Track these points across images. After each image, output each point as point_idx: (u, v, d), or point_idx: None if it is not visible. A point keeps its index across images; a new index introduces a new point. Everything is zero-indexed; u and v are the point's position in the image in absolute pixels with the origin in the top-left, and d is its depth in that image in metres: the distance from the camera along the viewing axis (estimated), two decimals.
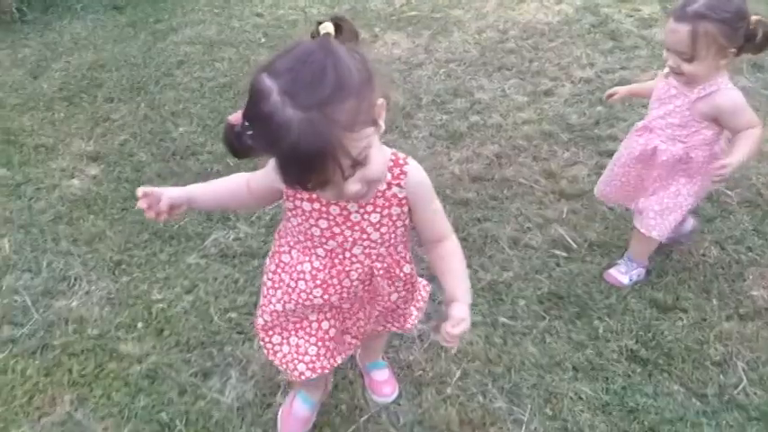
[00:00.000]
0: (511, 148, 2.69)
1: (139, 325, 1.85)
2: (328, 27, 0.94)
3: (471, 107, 2.99)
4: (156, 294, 1.96)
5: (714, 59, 1.62)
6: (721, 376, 1.68)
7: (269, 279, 1.28)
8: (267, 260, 1.30)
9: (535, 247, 2.17)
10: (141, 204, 1.15)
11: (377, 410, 1.61)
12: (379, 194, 1.11)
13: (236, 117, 0.94)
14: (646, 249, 1.97)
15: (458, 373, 1.71)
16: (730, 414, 1.59)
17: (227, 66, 3.30)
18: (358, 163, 0.92)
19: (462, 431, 1.56)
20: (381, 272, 1.22)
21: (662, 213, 1.83)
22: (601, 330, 1.82)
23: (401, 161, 1.12)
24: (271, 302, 1.28)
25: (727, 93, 1.67)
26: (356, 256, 1.18)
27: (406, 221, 1.17)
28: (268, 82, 0.88)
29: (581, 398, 1.63)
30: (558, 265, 2.08)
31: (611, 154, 2.61)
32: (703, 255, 2.08)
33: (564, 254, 2.13)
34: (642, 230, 1.88)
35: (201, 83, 3.15)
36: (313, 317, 1.28)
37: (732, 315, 1.86)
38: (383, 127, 0.97)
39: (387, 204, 1.12)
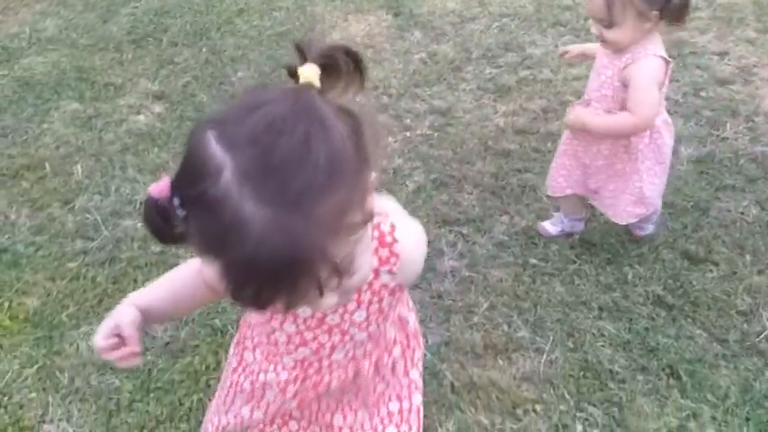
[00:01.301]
0: (558, 103, 2.71)
1: None
2: (311, 74, 0.65)
3: (522, 62, 3.00)
4: None
5: (635, 24, 1.51)
6: (745, 324, 1.72)
7: (229, 377, 1.03)
8: (231, 347, 1.05)
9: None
10: (111, 357, 0.84)
11: None
12: (365, 288, 0.83)
13: (159, 187, 0.63)
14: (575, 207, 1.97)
15: (485, 305, 1.81)
16: (749, 359, 1.64)
17: (284, 15, 3.41)
18: (341, 273, 0.62)
19: (486, 354, 1.66)
20: (371, 369, 0.95)
21: (633, 199, 1.77)
22: (630, 276, 1.88)
23: (388, 237, 0.82)
24: (234, 404, 1.02)
25: (650, 61, 1.56)
26: (337, 361, 0.91)
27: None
28: (218, 152, 0.58)
29: (603, 335, 1.71)
30: (594, 215, 2.13)
31: None
32: (742, 213, 2.08)
33: None
34: (617, 221, 1.87)
35: (260, 31, 3.27)
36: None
37: (764, 270, 1.88)
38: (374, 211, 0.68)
39: (375, 299, 0.85)
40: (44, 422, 1.48)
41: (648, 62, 1.57)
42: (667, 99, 2.65)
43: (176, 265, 1.92)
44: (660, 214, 1.98)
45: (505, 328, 1.74)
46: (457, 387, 1.59)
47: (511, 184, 2.29)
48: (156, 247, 2.01)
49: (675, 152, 2.35)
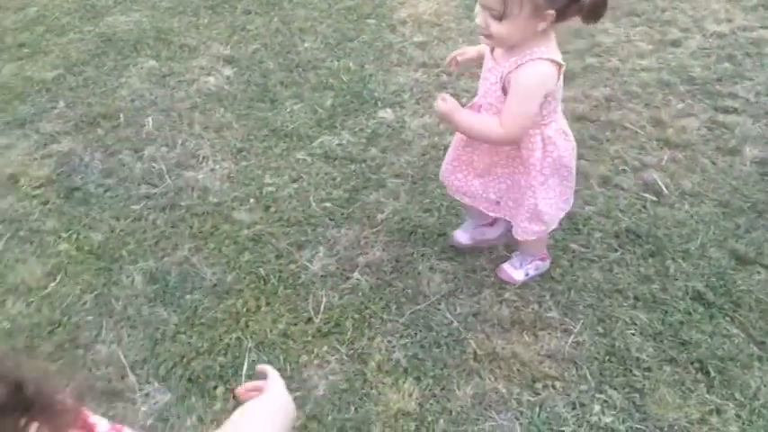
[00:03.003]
0: (623, 92, 2.65)
1: (251, 200, 2.14)
2: None
3: (590, 49, 2.94)
4: (267, 179, 2.23)
5: (529, 21, 1.31)
6: None
7: None
8: None
9: (625, 188, 2.19)
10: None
11: (437, 298, 1.78)
12: None
13: None
14: (532, 244, 1.75)
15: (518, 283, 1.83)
16: None
17: None
18: None
19: (512, 328, 1.69)
20: None
21: (530, 219, 1.62)
22: (671, 269, 1.85)
23: None
24: None
25: (537, 65, 1.36)
26: None
27: None
28: None
29: (635, 323, 1.70)
30: (644, 207, 2.09)
31: (727, 110, 2.53)
32: None
33: (653, 198, 2.13)
34: (518, 237, 1.68)
35: (330, 3, 3.35)
36: None
37: None
38: None
39: None
40: (97, 342, 1.63)
41: (535, 68, 1.37)
42: (734, 98, 2.56)
43: (229, 216, 2.05)
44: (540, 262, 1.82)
45: (536, 306, 1.76)
46: (479, 355, 1.63)
47: None
48: (213, 198, 2.14)
49: (740, 152, 2.28)
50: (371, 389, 1.56)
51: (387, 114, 2.55)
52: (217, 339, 1.65)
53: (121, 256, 1.89)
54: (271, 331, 1.68)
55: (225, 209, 2.10)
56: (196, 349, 1.62)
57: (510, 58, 1.39)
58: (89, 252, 1.90)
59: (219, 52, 2.99)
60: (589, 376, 1.58)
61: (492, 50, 1.48)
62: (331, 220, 2.05)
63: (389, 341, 1.67)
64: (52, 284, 1.79)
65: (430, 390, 1.56)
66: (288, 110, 2.57)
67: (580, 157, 2.33)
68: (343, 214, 2.06)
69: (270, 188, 2.19)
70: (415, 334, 1.69)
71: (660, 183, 2.18)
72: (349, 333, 1.69)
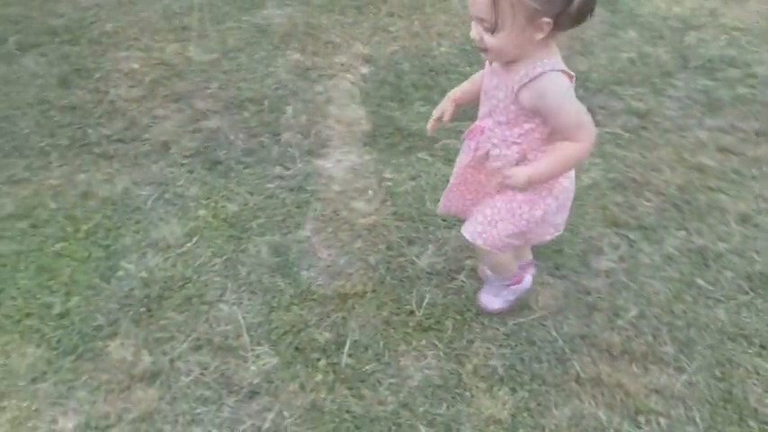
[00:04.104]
0: None
1: (370, 192, 2.22)
2: None
3: (743, 79, 2.75)
4: (387, 174, 2.31)
5: (524, 32, 1.21)
6: None
7: None
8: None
9: (765, 229, 2.03)
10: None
11: (544, 314, 1.75)
12: None
13: None
14: (497, 263, 1.64)
15: (634, 312, 1.75)
16: None
17: None
18: None
19: (621, 357, 1.62)
20: None
21: (492, 220, 1.49)
22: None
23: None
24: None
25: (551, 86, 1.28)
26: None
27: None
28: None
29: (758, 373, 1.57)
30: None
31: None
32: None
33: None
34: (465, 235, 1.55)
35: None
36: None
37: None
38: None
39: None
40: (220, 302, 1.78)
41: (554, 78, 1.29)
42: None
43: (348, 204, 2.15)
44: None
45: (650, 338, 1.68)
46: (582, 378, 1.58)
47: (697, 201, 2.15)
48: (336, 186, 2.25)
49: None
50: (465, 390, 1.57)
51: None
52: (324, 315, 1.73)
53: (251, 227, 2.05)
54: (374, 317, 1.74)
55: (345, 197, 2.20)
56: (305, 321, 1.71)
57: (518, 71, 1.31)
58: (223, 220, 2.08)
59: (360, 51, 3.13)
60: (698, 419, 1.48)
61: (492, 65, 1.40)
62: (443, 220, 2.07)
63: (488, 347, 1.67)
64: (188, 244, 1.97)
65: (525, 403, 1.54)
66: (416, 111, 2.64)
67: (721, 190, 2.19)
68: (455, 217, 2.08)
69: (389, 183, 2.26)
70: (516, 345, 1.68)
71: None
72: (449, 332, 1.71)
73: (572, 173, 1.48)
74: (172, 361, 1.60)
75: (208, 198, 2.17)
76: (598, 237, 2.01)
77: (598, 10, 1.26)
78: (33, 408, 1.50)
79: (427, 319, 1.75)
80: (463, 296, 1.81)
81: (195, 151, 2.39)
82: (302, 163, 2.38)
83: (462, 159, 1.56)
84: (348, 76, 2.96)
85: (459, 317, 1.75)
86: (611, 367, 1.61)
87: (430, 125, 1.58)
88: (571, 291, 1.83)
